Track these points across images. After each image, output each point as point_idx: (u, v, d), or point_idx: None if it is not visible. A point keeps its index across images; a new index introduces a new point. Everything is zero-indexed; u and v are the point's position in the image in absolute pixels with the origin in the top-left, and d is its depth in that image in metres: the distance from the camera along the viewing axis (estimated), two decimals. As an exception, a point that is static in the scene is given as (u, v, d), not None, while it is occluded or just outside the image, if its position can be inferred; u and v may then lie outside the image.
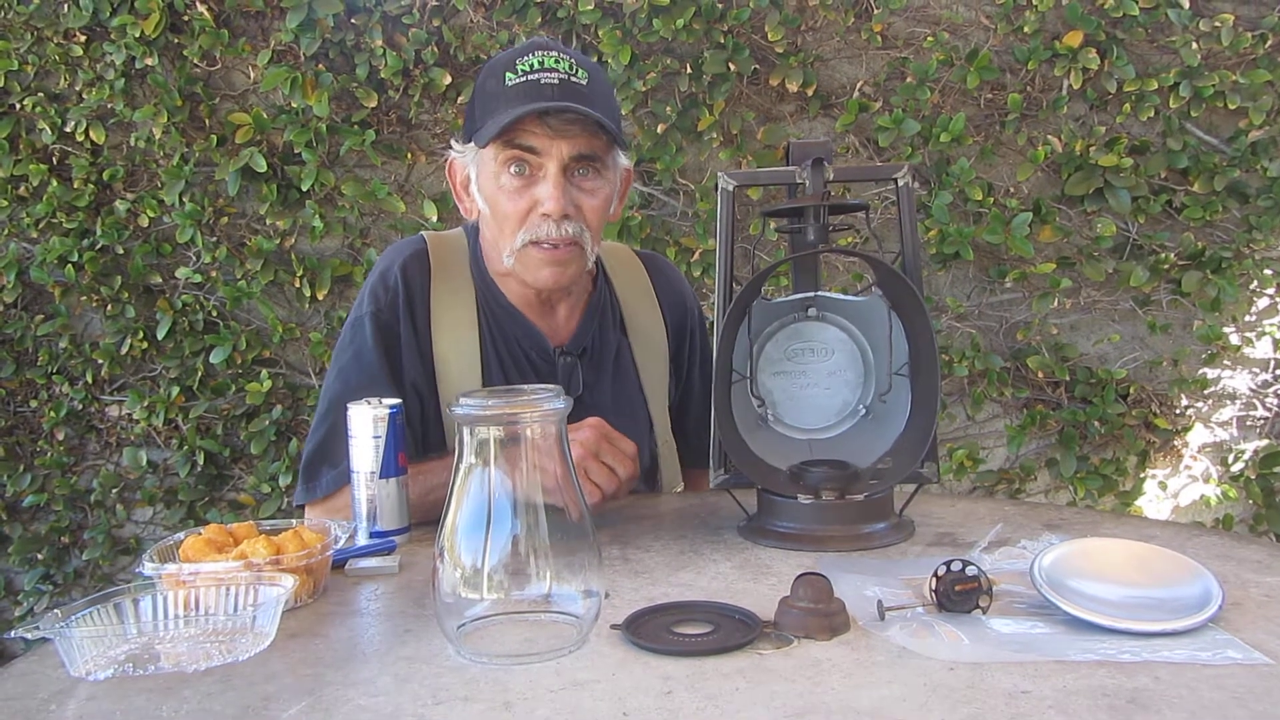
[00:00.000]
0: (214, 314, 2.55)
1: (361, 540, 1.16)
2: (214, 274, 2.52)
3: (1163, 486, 2.63)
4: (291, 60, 2.43)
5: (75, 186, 2.51)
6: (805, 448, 1.23)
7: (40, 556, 2.67)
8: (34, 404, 2.65)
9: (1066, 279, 2.45)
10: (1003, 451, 2.60)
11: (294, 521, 1.07)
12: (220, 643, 0.83)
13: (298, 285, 2.49)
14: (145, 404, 2.53)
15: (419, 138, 2.50)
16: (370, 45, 2.38)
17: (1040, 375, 2.53)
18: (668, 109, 2.40)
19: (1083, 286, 2.53)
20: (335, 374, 1.39)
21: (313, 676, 0.79)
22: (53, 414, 2.60)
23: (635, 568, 1.05)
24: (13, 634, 0.86)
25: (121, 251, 2.52)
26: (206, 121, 2.48)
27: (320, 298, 2.50)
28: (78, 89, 2.48)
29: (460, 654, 0.82)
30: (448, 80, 2.40)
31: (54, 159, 2.54)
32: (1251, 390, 2.64)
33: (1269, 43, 2.39)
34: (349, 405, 1.18)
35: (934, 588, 0.88)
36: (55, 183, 2.50)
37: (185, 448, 2.56)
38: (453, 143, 1.43)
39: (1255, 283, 2.52)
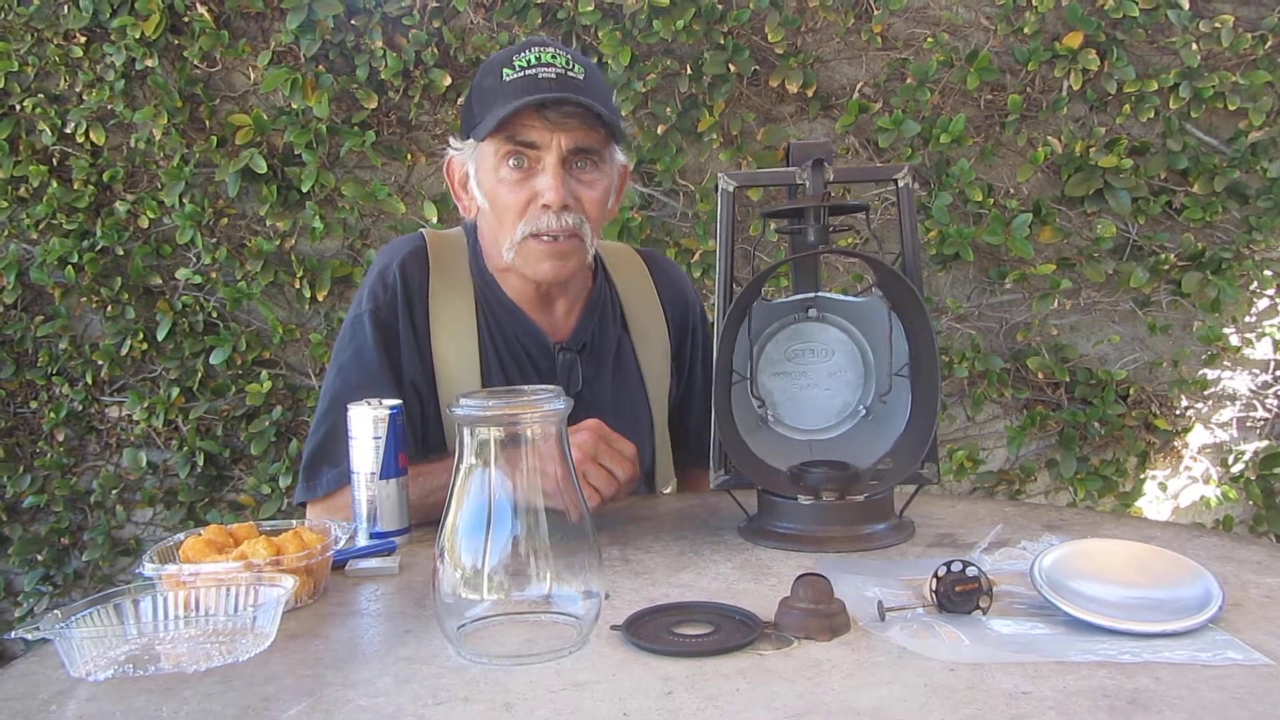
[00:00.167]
0: (214, 315, 2.55)
1: (362, 541, 1.16)
2: (214, 275, 2.52)
3: (1163, 487, 2.63)
4: (292, 61, 2.43)
5: (75, 188, 2.50)
6: (805, 448, 1.23)
7: (40, 557, 2.67)
8: (34, 405, 2.65)
9: (1066, 280, 2.45)
10: (1003, 452, 2.60)
11: (294, 522, 1.07)
12: (220, 643, 0.83)
13: (298, 286, 2.49)
14: (145, 405, 2.53)
15: (419, 139, 2.50)
16: (370, 46, 2.38)
17: (1040, 376, 2.53)
18: (668, 110, 2.40)
19: (1083, 287, 2.53)
20: (335, 372, 1.39)
21: (313, 677, 0.79)
22: (53, 415, 2.60)
23: (635, 568, 1.05)
24: (13, 635, 0.86)
25: (121, 253, 2.52)
26: (207, 123, 2.48)
27: (320, 299, 2.50)
28: (78, 90, 2.48)
29: (460, 655, 0.82)
30: (448, 81, 2.40)
31: (54, 160, 2.54)
32: (1251, 391, 2.64)
33: (1269, 44, 2.39)
34: (349, 406, 1.18)
35: (934, 588, 0.88)
36: (55, 184, 2.50)
37: (185, 449, 2.56)
38: (451, 140, 1.44)
39: (1255, 284, 2.52)
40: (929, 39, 2.39)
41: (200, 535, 0.99)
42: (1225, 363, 2.61)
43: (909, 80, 2.40)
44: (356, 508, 1.18)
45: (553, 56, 1.30)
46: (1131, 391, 2.56)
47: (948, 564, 0.89)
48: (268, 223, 2.49)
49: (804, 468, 1.16)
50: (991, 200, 2.42)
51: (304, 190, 2.43)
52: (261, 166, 2.40)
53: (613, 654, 0.82)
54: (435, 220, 2.43)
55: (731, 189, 1.24)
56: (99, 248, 2.51)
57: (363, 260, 2.50)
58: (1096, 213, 2.46)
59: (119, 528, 2.67)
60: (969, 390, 2.53)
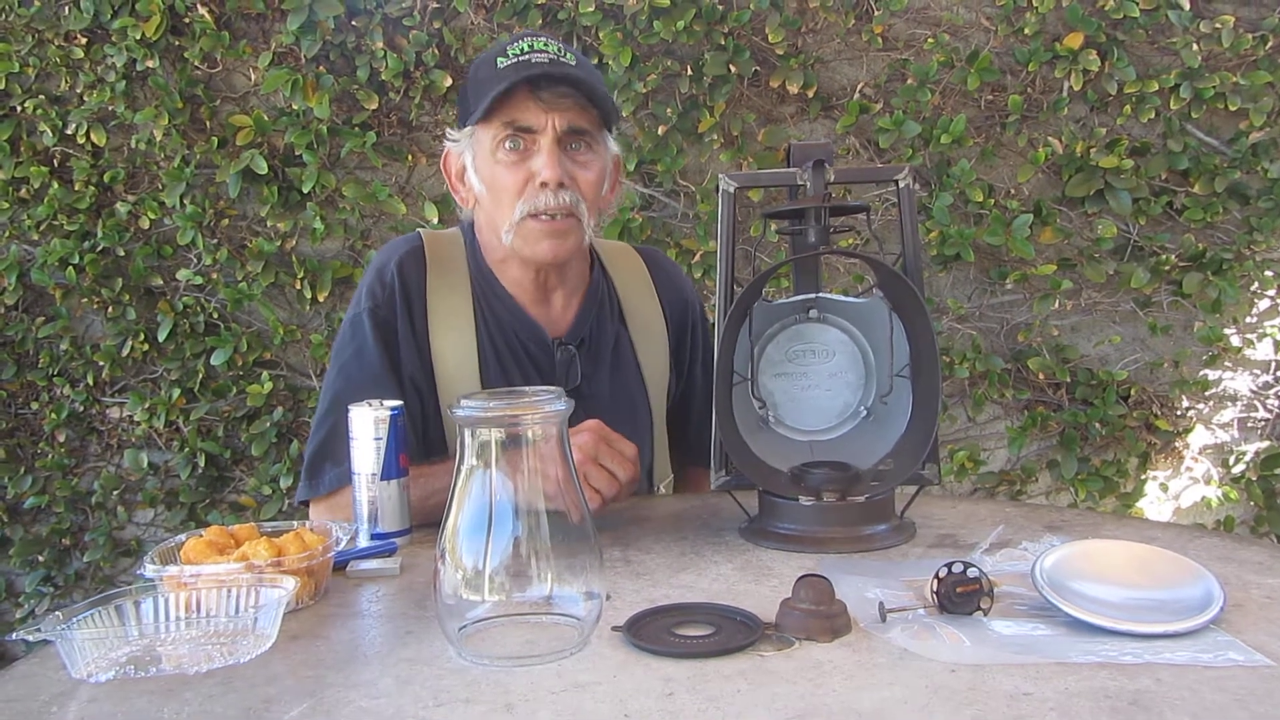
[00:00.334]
0: (215, 316, 2.55)
1: (363, 542, 1.16)
2: (215, 276, 2.52)
3: (1164, 488, 2.63)
4: (292, 62, 2.44)
5: (76, 189, 2.51)
6: (806, 449, 1.23)
7: (41, 558, 2.67)
8: (35, 406, 2.65)
9: (1067, 280, 2.45)
10: (1004, 453, 2.60)
11: (295, 523, 1.07)
12: (221, 644, 0.83)
13: (299, 287, 2.49)
14: (146, 406, 2.53)
15: (420, 139, 2.50)
16: (371, 47, 2.38)
17: (1041, 377, 2.53)
18: (668, 111, 2.40)
19: (1083, 288, 2.53)
20: (336, 371, 1.40)
21: (314, 678, 0.79)
22: (54, 416, 2.60)
23: (636, 569, 1.05)
24: (14, 636, 0.86)
25: (122, 253, 2.52)
26: (207, 123, 2.48)
27: (321, 299, 2.50)
28: (79, 91, 2.48)
29: (461, 656, 0.82)
30: (448, 82, 2.40)
31: (55, 161, 2.54)
32: (1252, 392, 2.64)
33: (1269, 44, 2.39)
34: (350, 407, 1.18)
35: (935, 589, 0.88)
36: (56, 185, 2.50)
37: (186, 449, 2.56)
38: (448, 133, 1.45)
39: (1256, 284, 2.52)
40: (930, 40, 2.39)
41: (201, 536, 0.99)
42: (1226, 363, 2.61)
43: (909, 81, 2.40)
44: (357, 509, 1.18)
45: (545, 44, 1.33)
46: (1132, 392, 2.56)
47: (949, 565, 0.89)
48: (268, 224, 2.49)
49: (805, 468, 1.16)
50: (992, 201, 2.42)
51: (305, 191, 2.43)
52: (262, 167, 2.40)
53: (614, 655, 0.82)
54: (436, 221, 2.43)
55: (732, 190, 1.24)
56: (100, 249, 2.51)
57: (363, 261, 2.50)
58: (1097, 213, 2.46)
59: (120, 529, 2.67)
60: (970, 391, 2.53)
